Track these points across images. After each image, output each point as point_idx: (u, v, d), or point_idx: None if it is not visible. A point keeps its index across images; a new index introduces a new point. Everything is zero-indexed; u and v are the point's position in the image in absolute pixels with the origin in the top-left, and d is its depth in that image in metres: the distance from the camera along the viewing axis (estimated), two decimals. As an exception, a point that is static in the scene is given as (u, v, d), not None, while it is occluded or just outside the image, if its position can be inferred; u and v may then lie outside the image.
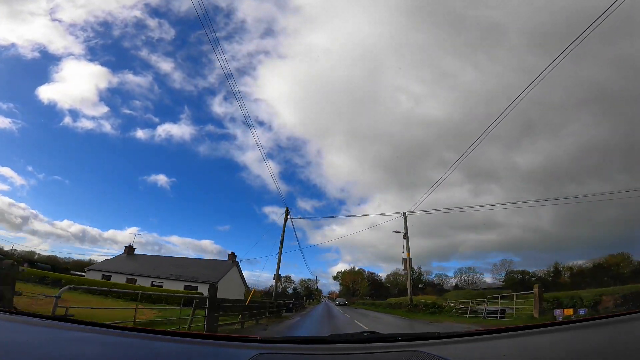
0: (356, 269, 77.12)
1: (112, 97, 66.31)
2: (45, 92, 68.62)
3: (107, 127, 64.57)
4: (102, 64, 69.15)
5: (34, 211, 64.98)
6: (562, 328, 1.53)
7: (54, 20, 56.10)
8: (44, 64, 61.70)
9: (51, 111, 62.40)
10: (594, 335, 1.42)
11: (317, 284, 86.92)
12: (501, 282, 50.19)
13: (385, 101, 69.50)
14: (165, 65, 77.15)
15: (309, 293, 76.35)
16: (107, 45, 65.49)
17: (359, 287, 71.08)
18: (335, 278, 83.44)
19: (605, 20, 9.71)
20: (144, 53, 68.28)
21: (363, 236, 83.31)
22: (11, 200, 60.34)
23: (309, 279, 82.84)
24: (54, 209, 76.52)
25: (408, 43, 64.69)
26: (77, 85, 67.08)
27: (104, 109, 65.43)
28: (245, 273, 36.49)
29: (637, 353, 1.16)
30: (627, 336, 1.33)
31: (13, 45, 53.62)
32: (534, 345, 1.43)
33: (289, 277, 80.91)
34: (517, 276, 47.60)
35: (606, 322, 1.50)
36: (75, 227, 63.07)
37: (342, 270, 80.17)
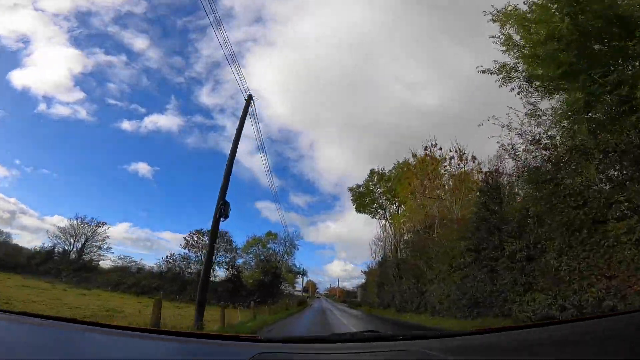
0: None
1: (90, 83, 65.54)
2: (19, 78, 65.98)
3: (82, 113, 62.37)
4: (79, 48, 66.67)
5: (23, 206, 60.81)
6: (563, 327, 1.53)
7: (36, 10, 53.94)
8: (16, 48, 57.63)
9: (25, 97, 60.04)
10: (594, 333, 1.41)
11: (298, 263, 42.93)
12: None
13: (379, 90, 68.39)
14: (142, 45, 75.45)
15: (271, 280, 32.34)
16: (91, 32, 64.77)
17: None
18: (361, 201, 34.55)
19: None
20: (115, 30, 66.33)
21: (361, 233, 78.06)
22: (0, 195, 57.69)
23: (268, 234, 37.45)
24: (43, 204, 74.08)
25: (403, 29, 63.67)
26: (52, 70, 64.83)
27: (81, 95, 63.46)
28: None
29: (635, 352, 1.15)
30: (627, 334, 1.33)
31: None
32: (534, 344, 1.42)
33: (224, 235, 31.29)
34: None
35: (606, 320, 1.51)
36: (65, 223, 57.75)
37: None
